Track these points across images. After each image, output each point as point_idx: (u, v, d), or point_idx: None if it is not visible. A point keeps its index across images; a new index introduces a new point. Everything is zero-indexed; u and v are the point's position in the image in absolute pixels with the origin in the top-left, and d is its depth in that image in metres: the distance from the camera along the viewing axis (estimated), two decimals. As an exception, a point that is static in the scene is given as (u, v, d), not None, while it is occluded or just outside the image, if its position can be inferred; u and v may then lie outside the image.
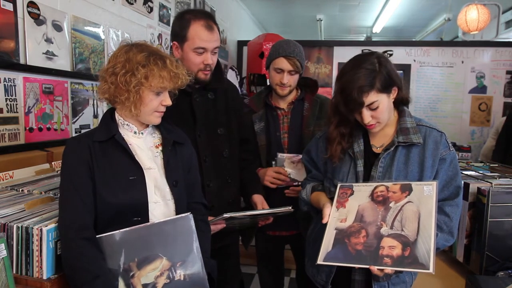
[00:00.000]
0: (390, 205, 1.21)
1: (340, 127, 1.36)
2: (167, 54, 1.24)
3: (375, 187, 1.26)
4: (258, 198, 1.74)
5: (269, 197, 1.79)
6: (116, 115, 1.25)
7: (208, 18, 1.56)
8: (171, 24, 3.06)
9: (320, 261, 1.20)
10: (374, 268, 1.12)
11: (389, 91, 1.28)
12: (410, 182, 1.24)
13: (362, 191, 1.28)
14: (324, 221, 1.28)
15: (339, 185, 1.34)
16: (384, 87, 1.25)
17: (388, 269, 1.11)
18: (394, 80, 1.29)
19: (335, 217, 1.28)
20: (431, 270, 1.03)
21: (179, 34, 1.55)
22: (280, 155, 1.88)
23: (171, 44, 1.61)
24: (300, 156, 1.77)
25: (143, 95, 1.18)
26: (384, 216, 1.19)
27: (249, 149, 1.85)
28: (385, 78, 1.25)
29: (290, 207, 1.61)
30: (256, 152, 1.91)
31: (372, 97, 1.24)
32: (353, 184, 1.32)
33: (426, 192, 1.18)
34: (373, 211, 1.22)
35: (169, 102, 1.24)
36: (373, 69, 1.24)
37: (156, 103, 1.21)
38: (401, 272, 1.29)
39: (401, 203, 1.20)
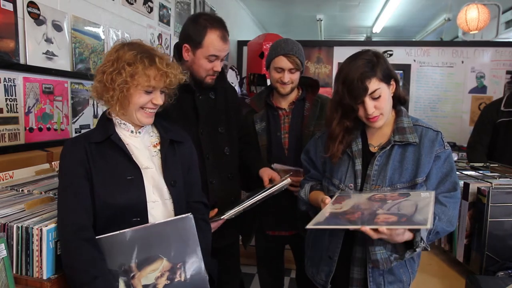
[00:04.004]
0: (388, 202, 1.20)
1: (344, 121, 1.35)
2: (160, 53, 1.23)
3: (373, 195, 1.26)
4: (263, 172, 1.72)
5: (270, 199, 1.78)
6: (113, 115, 1.26)
7: (223, 28, 1.60)
8: (171, 24, 3.09)
9: (309, 226, 1.16)
10: (367, 228, 1.08)
11: (388, 82, 1.31)
12: (409, 191, 1.24)
13: (359, 196, 1.29)
14: (326, 202, 1.27)
15: (336, 194, 1.35)
16: (384, 76, 1.28)
17: (383, 228, 1.07)
18: (392, 72, 1.32)
19: (331, 207, 1.27)
20: (428, 225, 1.01)
21: (193, 39, 1.58)
22: (274, 165, 1.84)
23: (182, 46, 1.62)
24: (295, 168, 1.77)
25: (130, 94, 1.18)
26: (381, 207, 1.17)
27: (247, 141, 1.89)
28: (384, 68, 1.28)
29: (288, 178, 1.59)
30: (255, 146, 1.92)
31: (374, 84, 1.26)
32: (351, 194, 1.33)
33: (423, 195, 1.18)
34: (369, 204, 1.21)
35: (159, 101, 1.23)
36: (372, 60, 1.27)
37: (144, 101, 1.21)
38: (401, 260, 1.26)
39: (399, 200, 1.19)
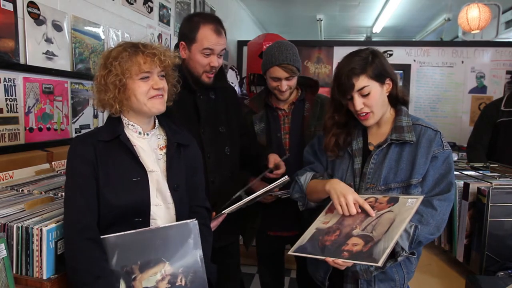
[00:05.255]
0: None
1: (334, 115, 1.39)
2: (146, 41, 1.24)
3: (366, 199, 1.27)
4: (271, 156, 1.75)
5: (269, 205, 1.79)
6: (121, 115, 1.25)
7: (217, 22, 1.61)
8: (171, 24, 3.09)
9: (291, 252, 1.26)
10: (329, 259, 1.15)
11: (382, 81, 1.31)
12: (399, 196, 1.24)
13: None
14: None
15: None
16: (376, 75, 1.28)
17: (339, 261, 1.14)
18: (388, 72, 1.32)
19: (320, 220, 1.31)
20: (380, 264, 1.05)
21: (187, 35, 1.59)
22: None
23: (179, 44, 1.64)
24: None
25: (129, 88, 1.18)
26: (362, 221, 1.21)
27: (248, 140, 1.88)
28: (378, 67, 1.29)
29: (286, 176, 1.60)
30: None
31: (362, 81, 1.27)
32: None
33: (408, 204, 1.18)
34: (354, 216, 1.24)
35: (160, 85, 1.21)
36: (366, 58, 1.29)
37: (145, 88, 1.20)
38: (382, 270, 1.26)
39: (382, 212, 1.21)
